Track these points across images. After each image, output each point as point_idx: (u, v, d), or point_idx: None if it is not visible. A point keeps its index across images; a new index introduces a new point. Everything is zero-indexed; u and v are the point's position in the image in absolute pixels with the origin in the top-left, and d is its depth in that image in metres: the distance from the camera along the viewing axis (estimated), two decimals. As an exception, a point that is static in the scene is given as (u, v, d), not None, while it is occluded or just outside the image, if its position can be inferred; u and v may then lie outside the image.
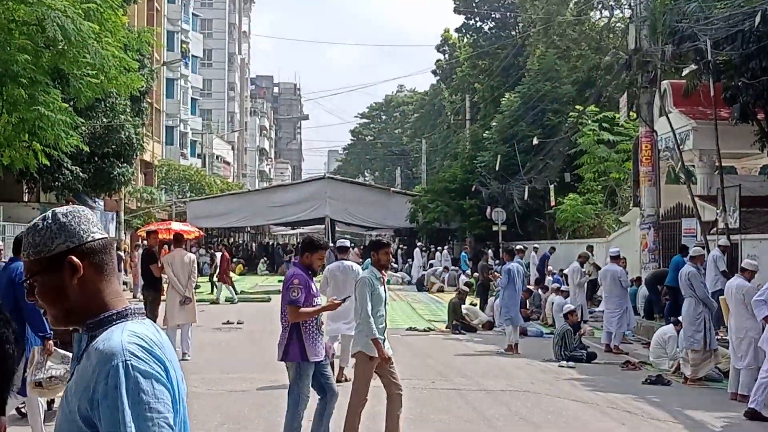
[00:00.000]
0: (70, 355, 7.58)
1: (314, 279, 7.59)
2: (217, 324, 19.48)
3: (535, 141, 32.76)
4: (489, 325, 19.85)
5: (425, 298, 29.80)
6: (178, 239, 15.12)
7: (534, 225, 37.26)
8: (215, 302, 26.03)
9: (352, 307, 13.29)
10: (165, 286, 14.68)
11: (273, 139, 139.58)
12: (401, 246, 50.35)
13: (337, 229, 59.29)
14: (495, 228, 35.28)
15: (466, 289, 21.43)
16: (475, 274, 28.55)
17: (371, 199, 48.46)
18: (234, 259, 48.32)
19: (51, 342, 7.62)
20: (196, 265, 14.64)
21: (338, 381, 12.32)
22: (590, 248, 24.75)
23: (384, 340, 7.89)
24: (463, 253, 37.66)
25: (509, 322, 15.97)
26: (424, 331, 19.32)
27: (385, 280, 8.06)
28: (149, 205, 47.41)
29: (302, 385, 7.32)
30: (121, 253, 32.56)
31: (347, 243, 13.91)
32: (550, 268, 25.23)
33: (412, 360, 14.29)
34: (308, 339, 7.37)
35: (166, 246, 22.05)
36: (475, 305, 22.26)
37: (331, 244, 50.26)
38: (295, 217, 48.92)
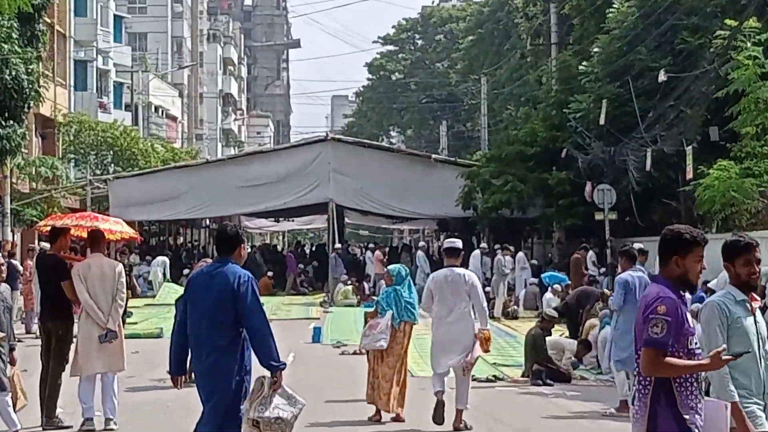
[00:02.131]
0: (299, 397, 9.20)
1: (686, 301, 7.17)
2: (161, 372, 19.44)
3: (662, 77, 32.51)
4: (590, 371, 19.79)
5: (490, 328, 29.72)
6: (95, 238, 15.12)
7: (661, 210, 37.03)
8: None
9: (461, 338, 13.67)
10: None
11: (244, 80, 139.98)
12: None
13: (346, 220, 59.27)
14: (599, 216, 35.12)
15: (554, 314, 21.31)
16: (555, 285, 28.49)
17: (400, 173, 47.84)
18: (185, 271, 48.40)
19: (281, 374, 9.00)
20: (124, 280, 14.66)
21: (456, 429, 12.76)
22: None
23: (764, 408, 7.42)
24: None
25: (622, 365, 15.87)
26: (488, 381, 19.29)
27: (756, 307, 7.67)
28: (50, 187, 47.57)
29: None
30: (16, 263, 30.73)
31: (458, 243, 14.54)
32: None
33: (473, 424, 14.30)
34: (685, 403, 6.88)
35: (72, 250, 21.90)
36: (568, 338, 22.17)
37: (338, 245, 50.13)
38: (281, 204, 48.54)
